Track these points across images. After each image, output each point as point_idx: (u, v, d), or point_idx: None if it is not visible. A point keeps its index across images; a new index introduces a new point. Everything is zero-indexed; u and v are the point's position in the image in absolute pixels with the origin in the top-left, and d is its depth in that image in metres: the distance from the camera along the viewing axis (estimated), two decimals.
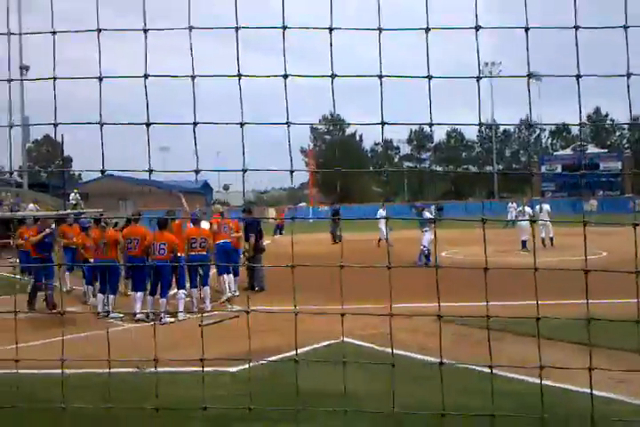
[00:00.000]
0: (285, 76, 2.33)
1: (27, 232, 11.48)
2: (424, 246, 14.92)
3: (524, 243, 18.05)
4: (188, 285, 10.10)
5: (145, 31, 2.33)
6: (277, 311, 7.38)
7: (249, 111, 2.42)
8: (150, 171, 2.36)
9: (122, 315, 9.67)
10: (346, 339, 7.00)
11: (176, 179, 64.29)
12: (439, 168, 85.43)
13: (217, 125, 2.41)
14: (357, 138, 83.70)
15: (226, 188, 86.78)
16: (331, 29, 2.34)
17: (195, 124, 2.34)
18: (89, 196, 45.87)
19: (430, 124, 2.36)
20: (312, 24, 2.38)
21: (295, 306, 2.40)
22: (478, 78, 2.35)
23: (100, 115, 2.37)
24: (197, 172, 2.35)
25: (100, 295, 10.04)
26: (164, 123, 2.47)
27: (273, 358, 6.00)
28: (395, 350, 6.70)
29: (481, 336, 7.05)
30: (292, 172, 2.38)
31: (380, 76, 2.31)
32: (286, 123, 2.32)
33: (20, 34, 2.73)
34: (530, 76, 2.35)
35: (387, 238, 16.33)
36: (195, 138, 2.37)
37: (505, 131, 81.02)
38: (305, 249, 14.59)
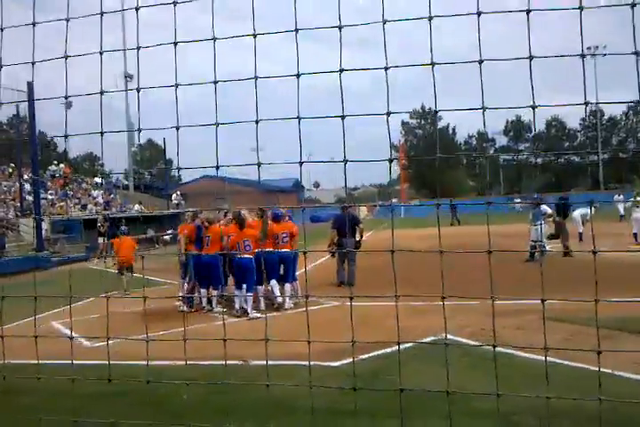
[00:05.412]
0: (386, 68, 2.30)
1: (184, 228, 11.03)
2: (538, 241, 14.35)
3: (636, 236, 16.95)
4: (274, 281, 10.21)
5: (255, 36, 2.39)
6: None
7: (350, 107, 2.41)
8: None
9: (223, 309, 10.02)
10: (447, 336, 6.85)
11: (270, 178, 65.93)
12: (539, 159, 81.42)
13: (308, 129, 2.48)
14: (450, 131, 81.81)
15: (316, 185, 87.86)
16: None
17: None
18: (187, 196, 47.99)
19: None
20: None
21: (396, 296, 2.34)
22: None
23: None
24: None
25: (202, 291, 10.40)
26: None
27: (376, 353, 6.00)
28: (501, 349, 6.46)
29: (594, 335, 6.66)
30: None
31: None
32: (297, 118, 2.35)
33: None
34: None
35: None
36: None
37: (611, 118, 76.07)
38: (406, 244, 14.28)
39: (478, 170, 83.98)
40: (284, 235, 10.29)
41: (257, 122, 2.38)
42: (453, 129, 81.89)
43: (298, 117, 2.36)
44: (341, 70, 2.32)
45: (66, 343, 6.90)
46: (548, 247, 15.06)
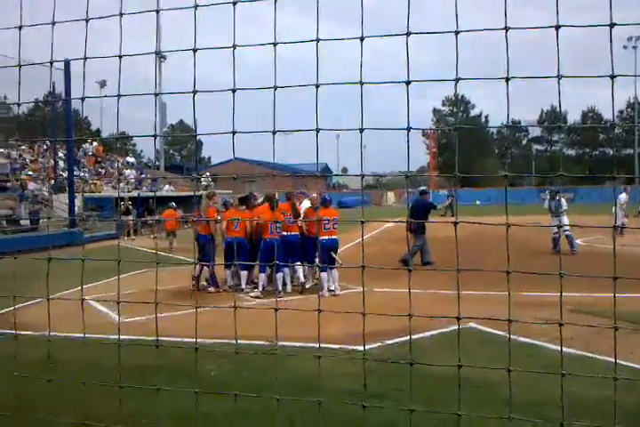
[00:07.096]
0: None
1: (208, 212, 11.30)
2: (561, 233, 14.33)
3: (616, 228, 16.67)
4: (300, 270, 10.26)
5: None
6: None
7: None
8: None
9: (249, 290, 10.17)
10: (473, 324, 6.85)
11: (298, 162, 66.13)
12: (572, 151, 79.74)
13: (337, 111, 2.46)
14: (483, 119, 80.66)
15: (344, 170, 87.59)
16: None
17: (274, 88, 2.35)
18: (217, 178, 48.28)
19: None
20: None
21: None
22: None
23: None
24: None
25: (227, 271, 10.56)
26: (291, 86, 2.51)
27: (402, 339, 6.03)
28: (529, 340, 6.44)
29: (620, 328, 6.59)
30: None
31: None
32: (316, 84, 2.34)
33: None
34: None
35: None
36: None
37: None
38: (443, 234, 14.36)
39: (510, 159, 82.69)
40: (334, 220, 10.28)
41: (275, 88, 2.48)
42: (486, 117, 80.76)
43: (316, 84, 2.38)
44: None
45: (97, 317, 7.06)
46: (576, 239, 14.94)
